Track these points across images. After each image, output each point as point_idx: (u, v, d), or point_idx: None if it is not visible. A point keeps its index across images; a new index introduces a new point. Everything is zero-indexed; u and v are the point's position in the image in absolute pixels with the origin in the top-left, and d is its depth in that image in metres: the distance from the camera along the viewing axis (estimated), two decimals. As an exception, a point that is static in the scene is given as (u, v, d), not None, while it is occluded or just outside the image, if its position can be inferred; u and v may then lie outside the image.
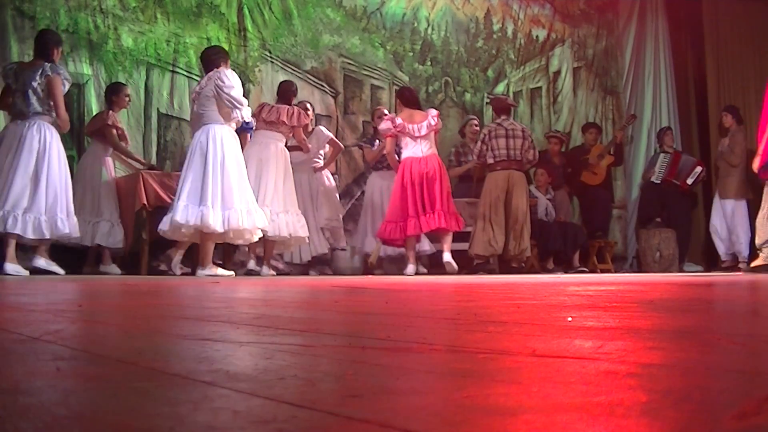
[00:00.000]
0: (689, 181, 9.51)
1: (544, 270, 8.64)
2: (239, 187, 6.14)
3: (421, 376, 0.94)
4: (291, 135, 7.05)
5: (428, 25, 9.66)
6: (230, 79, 6.10)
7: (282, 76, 8.34)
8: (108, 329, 1.64)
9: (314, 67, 8.69)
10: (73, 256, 6.77)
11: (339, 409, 0.71)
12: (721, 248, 9.26)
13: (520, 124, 8.40)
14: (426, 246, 7.83)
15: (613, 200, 10.12)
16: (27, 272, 5.84)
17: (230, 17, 8.19)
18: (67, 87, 6.02)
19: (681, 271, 9.30)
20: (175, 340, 1.45)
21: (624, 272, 9.64)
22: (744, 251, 9.03)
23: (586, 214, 9.60)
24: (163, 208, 6.75)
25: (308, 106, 7.64)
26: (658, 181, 9.56)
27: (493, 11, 10.13)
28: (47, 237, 5.83)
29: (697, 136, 10.85)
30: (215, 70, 6.14)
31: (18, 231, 5.69)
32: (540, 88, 10.43)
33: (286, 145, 7.05)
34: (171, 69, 7.82)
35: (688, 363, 1.03)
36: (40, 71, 5.78)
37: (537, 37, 10.43)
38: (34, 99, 5.79)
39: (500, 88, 10.08)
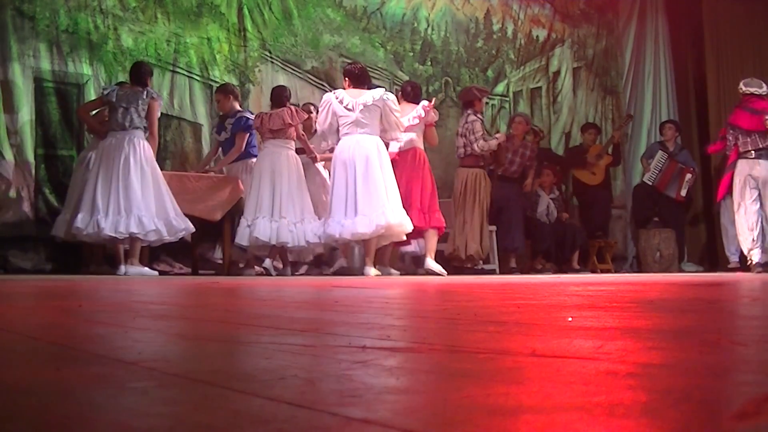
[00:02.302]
0: (683, 193, 9.49)
1: (533, 270, 8.62)
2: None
3: (421, 376, 0.94)
4: (296, 137, 7.07)
5: (428, 25, 9.66)
6: (396, 104, 6.86)
7: (282, 76, 8.33)
8: (108, 329, 1.64)
9: (315, 67, 8.69)
10: (69, 257, 6.80)
11: (339, 409, 0.71)
12: (731, 248, 9.21)
13: (467, 118, 7.77)
14: (412, 247, 7.67)
15: (612, 200, 10.11)
16: (156, 272, 6.51)
17: (230, 17, 8.19)
18: (159, 111, 6.76)
19: (680, 270, 9.29)
20: (175, 339, 1.45)
21: (624, 272, 9.64)
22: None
23: (586, 214, 9.59)
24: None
25: (312, 108, 7.65)
26: (650, 183, 9.55)
27: (493, 11, 10.13)
28: (167, 238, 6.43)
29: (696, 136, 10.85)
30: (378, 90, 6.87)
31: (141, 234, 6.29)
32: (540, 88, 10.42)
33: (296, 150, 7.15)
34: (171, 69, 7.81)
35: (688, 363, 1.03)
36: (145, 94, 6.55)
37: (537, 37, 10.42)
38: (135, 116, 6.49)
39: (500, 88, 10.08)
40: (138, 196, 6.31)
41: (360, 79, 6.90)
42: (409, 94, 7.29)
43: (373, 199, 6.57)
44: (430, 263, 7.00)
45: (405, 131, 7.03)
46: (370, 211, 6.54)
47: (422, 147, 7.24)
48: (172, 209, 6.45)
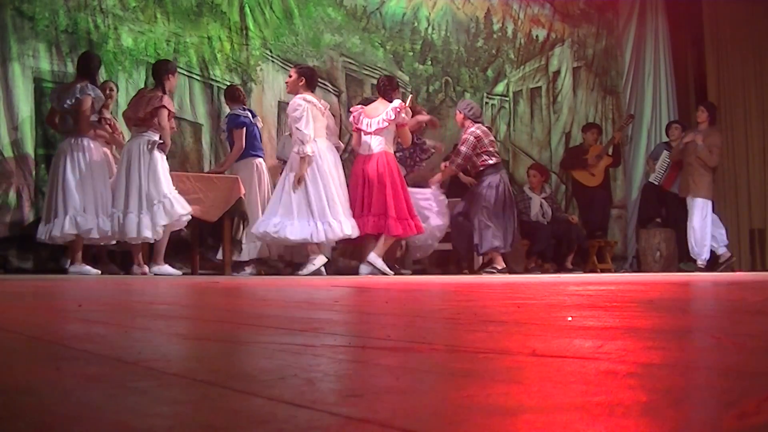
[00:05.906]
0: None
1: (526, 270, 8.52)
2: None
3: (421, 376, 0.94)
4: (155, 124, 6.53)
5: (428, 25, 9.66)
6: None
7: (283, 75, 8.33)
8: (108, 329, 1.64)
9: (316, 66, 8.68)
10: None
11: (339, 409, 0.71)
12: (703, 249, 9.13)
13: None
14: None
15: (611, 201, 10.09)
16: (98, 271, 6.39)
17: (231, 16, 8.19)
18: (98, 106, 6.59)
19: (678, 270, 9.29)
20: (175, 339, 1.45)
21: (624, 272, 9.63)
22: (721, 250, 9.09)
23: (585, 214, 9.59)
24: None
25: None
26: (656, 183, 9.55)
27: (493, 11, 10.13)
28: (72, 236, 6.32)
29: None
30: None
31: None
32: (540, 87, 10.42)
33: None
34: (171, 69, 7.81)
35: (688, 363, 1.03)
36: (71, 92, 6.43)
37: (537, 36, 10.43)
38: (69, 119, 6.49)
39: (500, 88, 10.08)
40: (58, 199, 6.30)
41: (314, 81, 6.89)
42: (385, 88, 6.98)
43: (346, 207, 6.71)
44: (373, 258, 6.70)
45: (374, 134, 6.82)
46: (344, 218, 6.63)
47: (392, 150, 6.95)
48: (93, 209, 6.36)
